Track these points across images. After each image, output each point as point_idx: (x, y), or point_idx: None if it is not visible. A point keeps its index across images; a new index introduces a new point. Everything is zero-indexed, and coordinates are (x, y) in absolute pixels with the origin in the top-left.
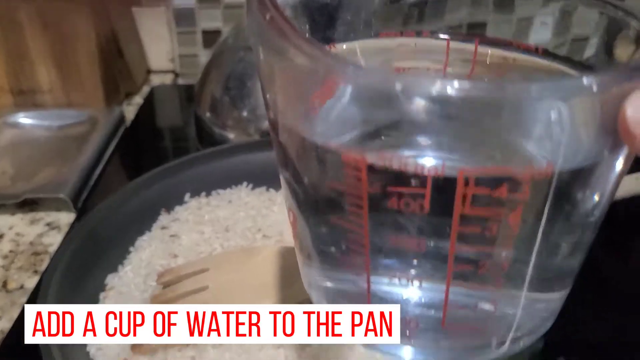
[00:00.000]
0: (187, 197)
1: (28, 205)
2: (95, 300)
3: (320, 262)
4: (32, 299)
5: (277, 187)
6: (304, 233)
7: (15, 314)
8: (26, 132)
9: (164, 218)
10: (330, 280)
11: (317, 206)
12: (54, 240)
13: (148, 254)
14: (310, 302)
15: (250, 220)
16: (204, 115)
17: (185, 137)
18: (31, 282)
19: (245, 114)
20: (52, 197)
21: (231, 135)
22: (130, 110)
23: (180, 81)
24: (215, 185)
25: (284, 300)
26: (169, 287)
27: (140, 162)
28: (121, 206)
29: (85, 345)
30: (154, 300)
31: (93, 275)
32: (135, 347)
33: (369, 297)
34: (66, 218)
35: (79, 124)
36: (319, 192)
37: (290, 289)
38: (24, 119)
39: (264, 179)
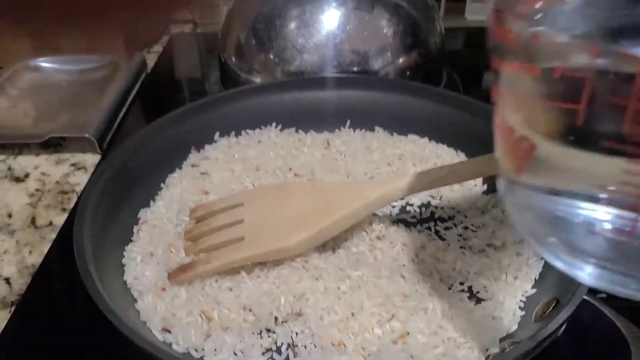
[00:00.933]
0: (216, 136)
1: (52, 146)
2: (129, 233)
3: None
4: (63, 234)
5: (306, 128)
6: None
7: (45, 249)
8: (47, 75)
9: (193, 156)
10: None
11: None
12: (81, 180)
13: (179, 190)
14: None
15: (280, 160)
16: (229, 60)
17: (203, 85)
18: (60, 219)
19: (272, 56)
20: (77, 138)
21: (257, 80)
22: (150, 58)
23: (200, 30)
24: (244, 125)
25: (319, 234)
26: (202, 221)
27: (162, 108)
28: (151, 142)
29: (122, 274)
30: (188, 234)
31: (126, 209)
32: (172, 276)
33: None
34: (91, 159)
35: (100, 69)
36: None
37: (326, 222)
38: (45, 63)
39: (292, 120)
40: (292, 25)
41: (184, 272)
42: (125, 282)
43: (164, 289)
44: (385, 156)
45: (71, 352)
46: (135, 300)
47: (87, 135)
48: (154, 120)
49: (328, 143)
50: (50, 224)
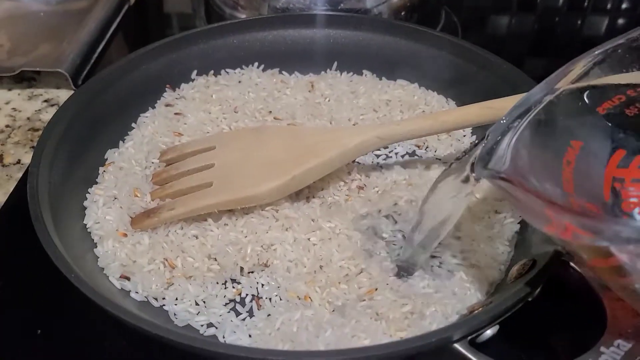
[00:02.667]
0: (194, 74)
1: (26, 80)
2: (94, 175)
3: None
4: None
5: (290, 69)
6: None
7: (11, 188)
8: (23, 5)
9: (168, 95)
10: None
11: None
12: None
13: (151, 130)
14: None
15: (260, 102)
16: None
17: (193, 20)
18: (28, 158)
19: None
20: (51, 72)
21: (242, 16)
22: None
23: None
24: (225, 64)
25: (292, 182)
26: (172, 165)
27: (144, 42)
28: (122, 77)
29: (82, 218)
30: (156, 177)
31: (92, 149)
32: (135, 221)
33: None
34: (65, 95)
35: None
36: None
37: (300, 169)
38: None
39: (276, 60)
40: None
41: (148, 218)
42: (85, 225)
43: (125, 235)
44: (372, 101)
45: (23, 290)
46: (95, 246)
47: (60, 70)
48: (127, 55)
49: (312, 86)
50: (19, 162)
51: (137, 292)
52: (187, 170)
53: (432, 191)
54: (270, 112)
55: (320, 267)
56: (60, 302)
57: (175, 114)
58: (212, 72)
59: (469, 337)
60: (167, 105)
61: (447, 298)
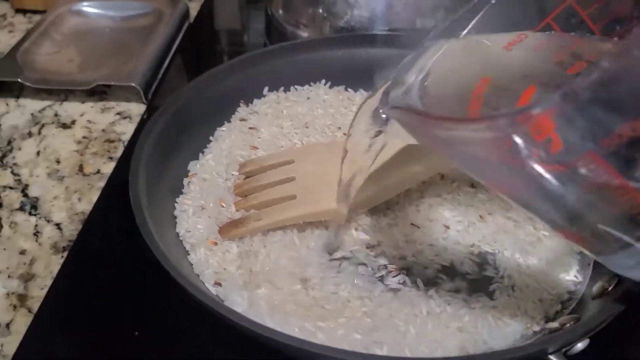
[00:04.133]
0: (265, 90)
1: (97, 94)
2: (179, 185)
3: None
4: (112, 183)
5: (355, 86)
6: None
7: (93, 197)
8: (90, 21)
9: (242, 110)
10: None
11: None
12: (126, 129)
13: (228, 144)
14: None
15: (329, 118)
16: (277, 12)
17: (242, 36)
18: (107, 168)
19: (320, 10)
20: (121, 86)
21: (304, 34)
22: (192, 7)
23: None
24: (293, 80)
25: (372, 197)
26: (251, 177)
27: (201, 59)
28: (201, 93)
29: (173, 226)
30: (237, 188)
31: (175, 161)
32: (223, 231)
33: None
34: (136, 108)
35: (143, 16)
36: None
37: (377, 186)
38: (88, 8)
39: (342, 77)
40: None
41: (235, 228)
42: (178, 234)
43: (215, 243)
44: None
45: (121, 297)
46: (188, 253)
47: (133, 84)
48: (204, 72)
49: None
50: (98, 172)
51: (227, 299)
52: (268, 182)
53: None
54: (339, 128)
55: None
56: (155, 305)
57: (250, 128)
58: (282, 88)
59: (564, 350)
60: (242, 119)
61: (527, 310)
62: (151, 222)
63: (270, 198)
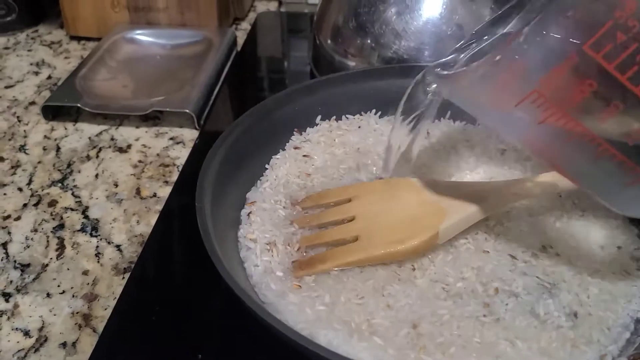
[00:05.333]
0: (318, 119)
1: (151, 119)
2: (238, 214)
3: None
4: (169, 207)
5: None
6: None
7: (151, 220)
8: (142, 49)
9: (296, 139)
10: None
11: None
12: (180, 154)
13: (283, 171)
14: None
15: (380, 146)
16: (325, 42)
17: (283, 64)
18: (163, 191)
19: (369, 41)
20: (174, 112)
21: (352, 64)
22: (238, 36)
23: (284, 9)
24: (345, 110)
25: (434, 238)
26: (313, 211)
27: (245, 86)
28: (258, 122)
29: (236, 251)
30: (300, 223)
31: (234, 189)
32: (292, 271)
33: None
34: (189, 134)
35: (194, 44)
36: None
37: (442, 225)
38: (140, 36)
39: (392, 106)
40: (394, 9)
41: (301, 270)
42: (245, 269)
43: (299, 287)
44: (488, 151)
45: (183, 319)
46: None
47: (187, 110)
48: (242, 104)
49: (428, 133)
50: (154, 195)
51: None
52: (329, 220)
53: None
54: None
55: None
56: (216, 327)
57: (304, 155)
58: (334, 117)
59: None
60: (296, 147)
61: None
62: (219, 249)
63: (333, 239)
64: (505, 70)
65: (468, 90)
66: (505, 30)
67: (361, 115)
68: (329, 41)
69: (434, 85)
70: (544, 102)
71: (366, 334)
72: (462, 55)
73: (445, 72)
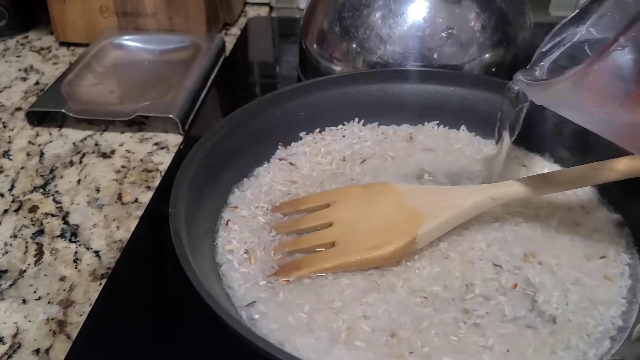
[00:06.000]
0: (302, 134)
1: (136, 124)
2: (216, 220)
3: None
4: (149, 212)
5: (388, 122)
6: None
7: (131, 225)
8: (130, 54)
9: (281, 152)
10: None
11: None
12: (163, 159)
13: (267, 179)
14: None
15: (366, 151)
16: (311, 46)
17: (275, 69)
18: (145, 197)
19: (354, 45)
20: (160, 117)
21: (338, 68)
22: (227, 41)
23: (275, 14)
24: (328, 116)
25: (411, 243)
26: (291, 217)
27: (236, 91)
28: (239, 127)
29: (212, 257)
30: (278, 228)
31: (213, 195)
32: (281, 269)
33: None
34: (174, 139)
35: (181, 49)
36: None
37: (419, 231)
38: (128, 41)
39: (375, 113)
40: (379, 14)
41: (276, 276)
42: (220, 272)
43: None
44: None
45: (158, 326)
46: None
47: (172, 115)
48: (240, 105)
49: (411, 137)
50: (136, 200)
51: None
52: (307, 226)
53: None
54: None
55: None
56: (189, 333)
57: (290, 163)
58: (317, 130)
59: None
60: (281, 159)
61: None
62: (191, 255)
63: (310, 245)
64: (605, 75)
65: (564, 95)
66: (586, 32)
67: (344, 124)
68: (315, 46)
69: (515, 87)
70: None
71: (346, 341)
72: (546, 60)
73: (534, 81)
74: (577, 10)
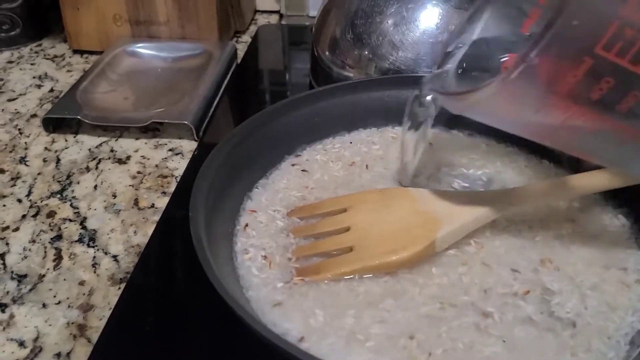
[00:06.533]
0: (315, 140)
1: (151, 130)
2: (233, 225)
3: None
4: (165, 217)
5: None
6: None
7: (148, 230)
8: (143, 62)
9: (292, 159)
10: None
11: None
12: (178, 165)
13: (282, 185)
14: None
15: (376, 153)
16: (323, 53)
17: (284, 76)
18: (161, 202)
19: (366, 52)
20: (174, 124)
21: (350, 75)
22: (239, 49)
23: (285, 22)
24: (340, 122)
25: (429, 248)
26: (308, 221)
27: (247, 98)
28: (254, 134)
29: (230, 261)
30: (295, 233)
31: (231, 200)
32: (300, 272)
33: None
34: (188, 145)
35: (194, 57)
36: None
37: (436, 235)
38: (142, 49)
39: (388, 118)
40: (391, 21)
41: (295, 278)
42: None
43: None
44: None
45: (177, 330)
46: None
47: (186, 122)
48: (253, 112)
49: (430, 143)
50: (152, 206)
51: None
52: (324, 231)
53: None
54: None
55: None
56: (208, 336)
57: (302, 170)
58: (330, 136)
59: None
60: (294, 164)
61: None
62: (212, 259)
63: (327, 249)
64: (520, 87)
65: (481, 105)
66: (482, 30)
67: (358, 130)
68: (327, 53)
69: (429, 98)
70: (564, 105)
71: (363, 344)
72: (451, 61)
73: (449, 94)
74: (472, 10)
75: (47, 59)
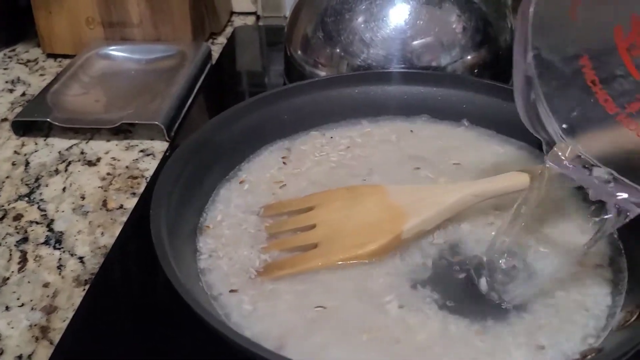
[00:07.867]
0: (286, 137)
1: (122, 132)
2: (201, 221)
3: None
4: (134, 218)
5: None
6: None
7: (116, 231)
8: (117, 64)
9: (262, 156)
10: None
11: None
12: (149, 166)
13: (252, 182)
14: None
15: (349, 152)
16: (295, 53)
17: (263, 77)
18: (130, 203)
19: (338, 50)
20: (146, 125)
21: (322, 73)
22: (214, 50)
23: (262, 23)
24: (311, 118)
25: (393, 241)
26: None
27: (223, 99)
28: (222, 130)
29: (194, 262)
30: (268, 229)
31: (198, 196)
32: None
33: None
34: (160, 146)
35: (167, 58)
36: None
37: (402, 228)
38: (115, 51)
39: (359, 114)
40: (361, 18)
41: (261, 276)
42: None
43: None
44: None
45: (141, 331)
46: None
47: (157, 122)
48: (227, 108)
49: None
50: (121, 207)
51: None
52: (291, 229)
53: None
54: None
55: None
56: (173, 339)
57: (273, 168)
58: (302, 132)
59: None
60: (263, 162)
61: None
62: (173, 258)
63: (292, 246)
64: None
65: None
66: None
67: (328, 125)
68: (299, 52)
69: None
70: None
71: (338, 341)
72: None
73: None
74: None
75: (20, 63)
